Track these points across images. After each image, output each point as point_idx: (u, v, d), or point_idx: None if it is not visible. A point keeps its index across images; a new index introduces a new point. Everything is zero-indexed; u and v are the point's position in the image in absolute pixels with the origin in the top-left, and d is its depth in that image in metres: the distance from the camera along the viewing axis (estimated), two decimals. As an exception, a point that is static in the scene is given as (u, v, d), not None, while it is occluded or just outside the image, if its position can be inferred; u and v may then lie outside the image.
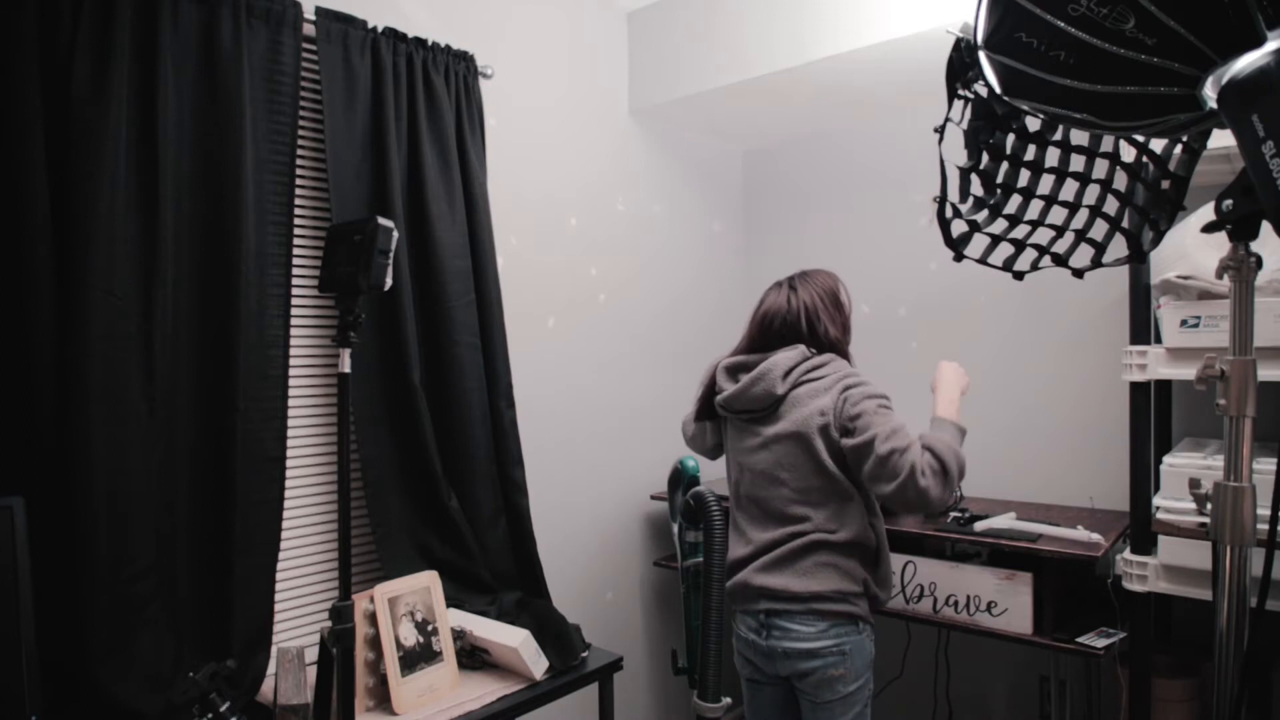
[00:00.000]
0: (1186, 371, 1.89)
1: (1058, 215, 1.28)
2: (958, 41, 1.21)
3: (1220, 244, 1.01)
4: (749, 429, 1.93)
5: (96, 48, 1.58)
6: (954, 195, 1.28)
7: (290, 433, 1.90)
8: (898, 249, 2.93)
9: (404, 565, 2.07)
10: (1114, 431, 2.38)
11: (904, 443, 1.66)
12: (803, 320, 1.92)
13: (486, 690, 1.89)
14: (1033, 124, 1.26)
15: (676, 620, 2.99)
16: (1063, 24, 0.87)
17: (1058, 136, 1.27)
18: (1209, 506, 1.01)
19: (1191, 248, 1.87)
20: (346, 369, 1.46)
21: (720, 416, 2.05)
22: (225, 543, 1.78)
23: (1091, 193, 1.25)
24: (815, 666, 1.78)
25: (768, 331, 1.96)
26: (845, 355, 1.95)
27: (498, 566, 2.29)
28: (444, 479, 2.17)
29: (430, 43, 2.17)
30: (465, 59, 2.26)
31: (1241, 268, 0.98)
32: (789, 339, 1.92)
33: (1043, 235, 1.28)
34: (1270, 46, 0.79)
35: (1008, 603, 2.12)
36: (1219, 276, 1.01)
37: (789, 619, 1.80)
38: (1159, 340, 1.97)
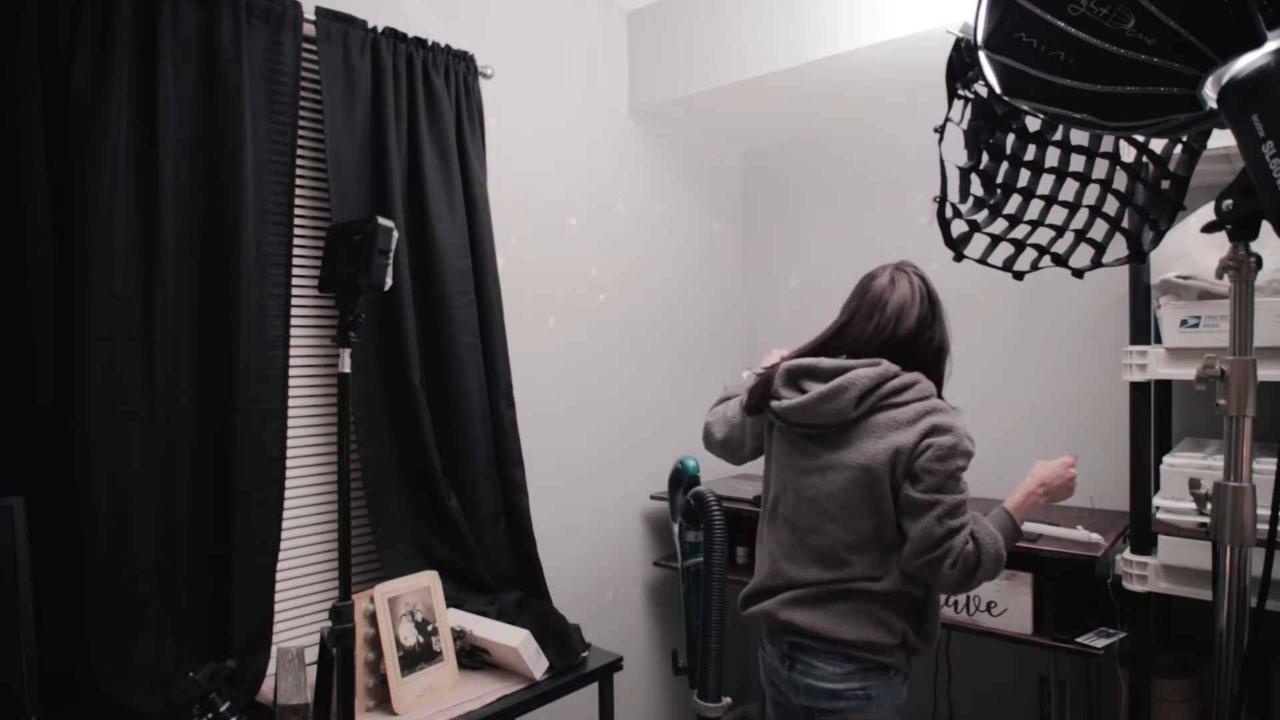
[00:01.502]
0: (1186, 371, 1.89)
1: (1058, 215, 1.28)
2: (958, 41, 1.21)
3: (1220, 244, 1.01)
4: (806, 447, 1.67)
5: (96, 48, 1.59)
6: (954, 195, 1.27)
7: (290, 433, 1.90)
8: (898, 249, 2.90)
9: (404, 565, 2.07)
10: (1114, 431, 2.38)
11: (958, 523, 1.50)
12: (912, 319, 1.62)
13: (486, 690, 1.89)
14: (1033, 124, 1.26)
15: (676, 620, 2.99)
16: (1063, 24, 0.87)
17: (1058, 136, 1.26)
18: (1209, 506, 1.01)
19: (1191, 248, 1.87)
20: (346, 369, 1.46)
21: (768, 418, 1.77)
22: (225, 543, 1.78)
23: (1091, 193, 1.25)
24: (838, 707, 1.60)
25: (869, 327, 1.64)
26: (939, 376, 1.66)
27: (498, 566, 2.29)
28: (444, 479, 2.17)
29: (430, 43, 2.17)
30: (465, 59, 2.26)
31: (1241, 268, 0.98)
32: (882, 344, 1.62)
33: (1043, 235, 1.28)
34: (1270, 46, 0.79)
35: (1008, 603, 2.12)
36: (1219, 276, 1.01)
37: (814, 655, 1.62)
38: (1159, 340, 1.97)
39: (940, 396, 1.65)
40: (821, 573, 1.61)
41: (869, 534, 1.58)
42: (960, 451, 1.53)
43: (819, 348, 1.69)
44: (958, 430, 1.55)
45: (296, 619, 2.04)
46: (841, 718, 1.60)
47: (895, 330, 1.62)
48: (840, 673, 1.59)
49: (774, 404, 1.68)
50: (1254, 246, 0.98)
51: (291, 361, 1.92)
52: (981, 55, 0.99)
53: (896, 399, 1.57)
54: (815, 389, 1.61)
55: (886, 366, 1.59)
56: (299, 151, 1.93)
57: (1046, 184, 1.28)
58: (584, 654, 2.08)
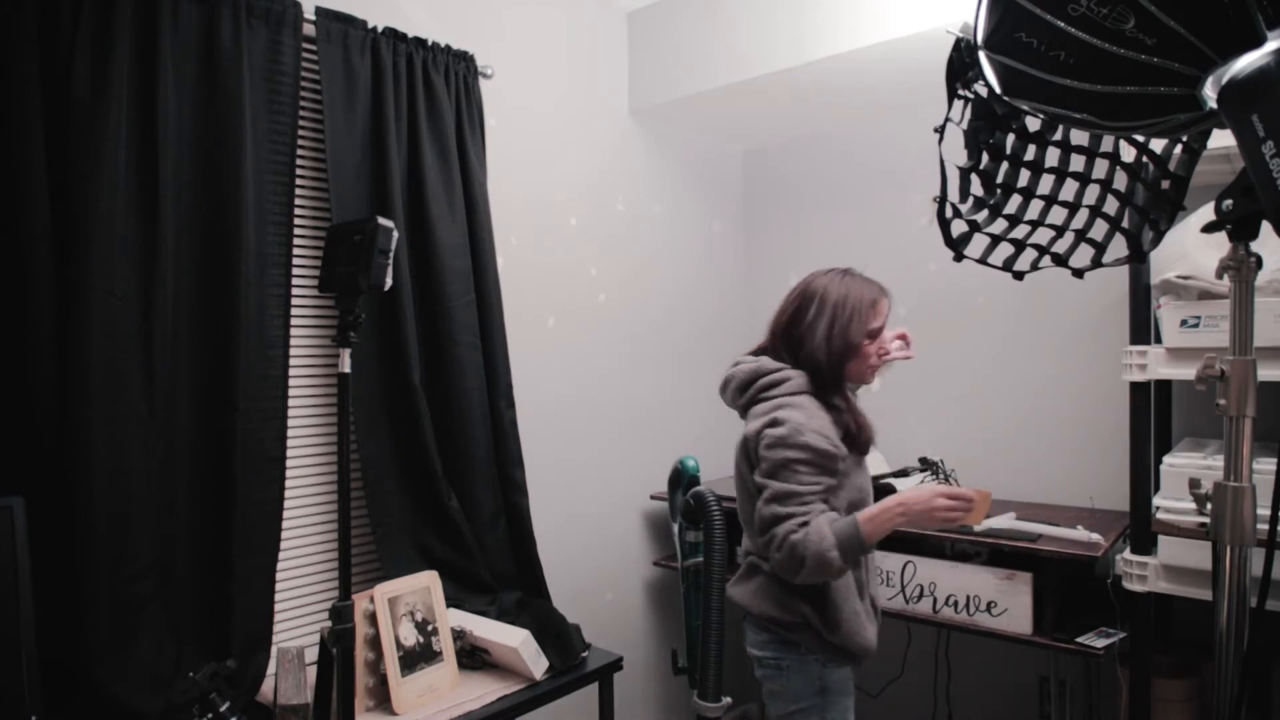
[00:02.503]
0: (1186, 371, 1.89)
1: (1058, 215, 1.28)
2: (958, 41, 1.21)
3: (1220, 244, 1.01)
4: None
5: (96, 48, 1.59)
6: (954, 195, 1.27)
7: (290, 433, 1.90)
8: (898, 249, 2.93)
9: (404, 565, 2.07)
10: (1114, 431, 2.38)
11: (786, 510, 1.57)
12: (786, 318, 1.76)
13: (486, 690, 1.89)
14: (1033, 124, 1.26)
15: (676, 620, 2.99)
16: (1063, 24, 0.87)
17: (1058, 136, 1.26)
18: (1209, 506, 1.01)
19: (1191, 248, 1.87)
20: (346, 369, 1.46)
21: None
22: (225, 543, 1.78)
23: (1091, 193, 1.25)
24: (758, 674, 1.78)
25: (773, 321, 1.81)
26: (829, 380, 1.69)
27: (498, 566, 2.29)
28: (444, 479, 2.17)
29: (430, 43, 2.17)
30: (465, 59, 2.26)
31: (1241, 268, 0.98)
32: (770, 343, 1.79)
33: (1043, 235, 1.28)
34: (1270, 46, 0.79)
35: (1008, 603, 2.12)
36: (1219, 276, 1.01)
37: (748, 624, 1.81)
38: (1159, 340, 1.97)
39: (834, 390, 1.69)
40: (745, 539, 1.83)
41: (748, 512, 1.75)
42: (791, 443, 1.60)
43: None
44: (794, 423, 1.61)
45: (296, 619, 2.03)
46: (764, 684, 1.78)
47: (777, 322, 1.80)
48: (759, 640, 1.77)
49: None
50: (1254, 246, 0.98)
51: (291, 361, 1.92)
52: (981, 55, 0.99)
53: (765, 394, 1.72)
54: (721, 381, 1.85)
55: (762, 364, 1.76)
56: (299, 151, 1.93)
57: (1046, 184, 1.29)
58: (584, 654, 2.08)
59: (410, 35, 2.13)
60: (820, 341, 1.69)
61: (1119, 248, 1.25)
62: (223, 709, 1.54)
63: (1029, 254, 1.27)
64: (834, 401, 1.69)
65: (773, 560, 1.60)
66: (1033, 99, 1.01)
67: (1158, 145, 1.19)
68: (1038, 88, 0.95)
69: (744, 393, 1.76)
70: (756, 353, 1.84)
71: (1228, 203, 0.96)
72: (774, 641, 1.74)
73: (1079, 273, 1.24)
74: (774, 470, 1.61)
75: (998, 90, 1.02)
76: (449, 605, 2.04)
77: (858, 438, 1.69)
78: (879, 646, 1.77)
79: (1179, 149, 1.18)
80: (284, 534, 1.90)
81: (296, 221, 1.92)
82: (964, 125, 1.26)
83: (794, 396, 1.67)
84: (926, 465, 2.56)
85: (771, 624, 1.72)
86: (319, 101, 1.98)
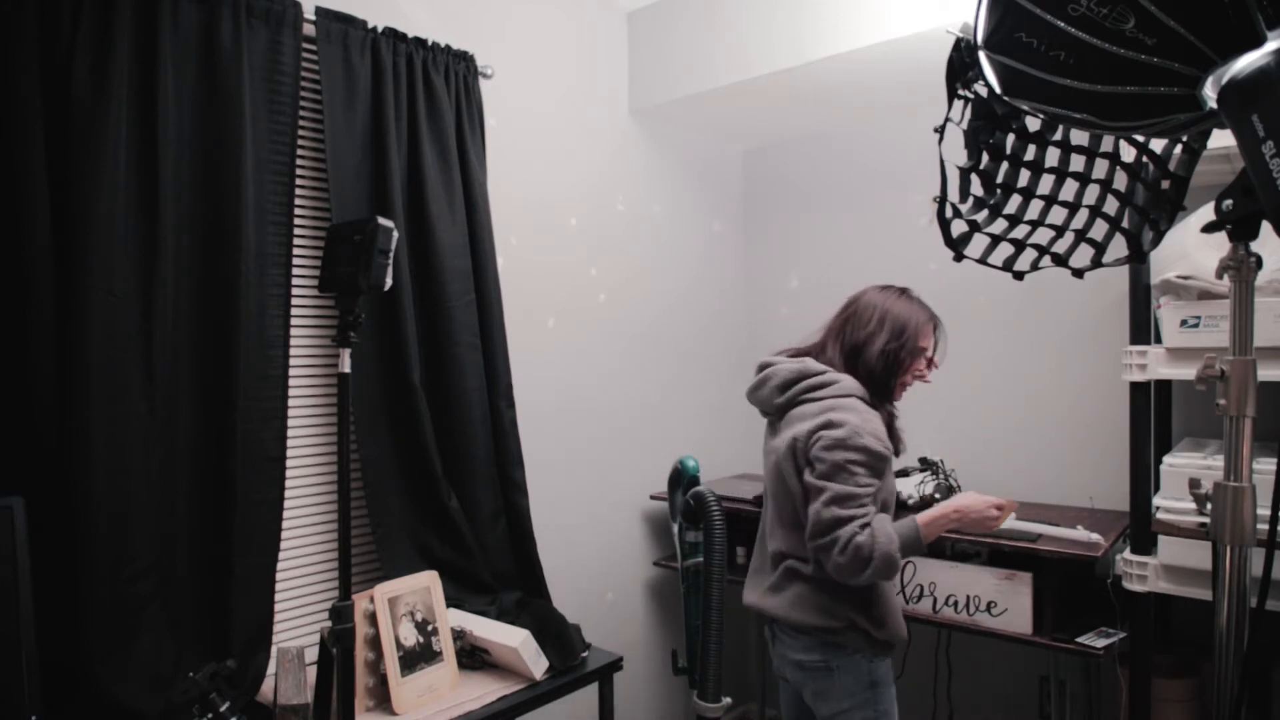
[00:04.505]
0: (1186, 371, 1.89)
1: (1058, 215, 1.28)
2: (958, 41, 1.21)
3: (1220, 244, 1.01)
4: (768, 430, 1.87)
5: (96, 48, 1.59)
6: (954, 195, 1.27)
7: (290, 433, 1.90)
8: (897, 249, 2.93)
9: (404, 565, 2.07)
10: (1114, 431, 2.38)
11: (848, 513, 1.58)
12: (845, 326, 1.79)
13: (486, 690, 1.89)
14: (1033, 124, 1.26)
15: (676, 620, 2.99)
16: (1063, 24, 0.86)
17: (1058, 136, 1.26)
18: (1209, 506, 1.01)
19: (1191, 248, 1.87)
20: (346, 369, 1.46)
21: None
22: (225, 543, 1.78)
23: (1091, 193, 1.25)
24: (802, 677, 1.77)
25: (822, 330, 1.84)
26: (880, 390, 1.75)
27: (498, 566, 2.29)
28: (444, 479, 2.17)
29: (430, 43, 2.17)
30: (465, 59, 2.26)
31: (1241, 268, 0.98)
32: (820, 345, 1.82)
33: (1043, 235, 1.28)
34: (1270, 46, 0.79)
35: (1008, 603, 2.12)
36: (1219, 276, 1.01)
37: (783, 632, 1.81)
38: (1159, 340, 1.97)
39: (882, 400, 1.76)
40: (778, 543, 1.80)
41: (791, 514, 1.74)
42: (850, 445, 1.62)
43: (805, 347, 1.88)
44: (852, 425, 1.64)
45: (296, 619, 2.03)
46: (807, 685, 1.77)
47: (835, 329, 1.82)
48: (801, 645, 1.76)
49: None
50: (1254, 246, 0.98)
51: (291, 361, 1.92)
52: (981, 55, 0.99)
53: (812, 394, 1.73)
54: (756, 378, 1.85)
55: (806, 364, 1.78)
56: (299, 151, 1.93)
57: (1046, 184, 1.28)
58: (584, 654, 2.08)
59: (410, 35, 2.13)
60: (877, 354, 1.74)
61: (1119, 248, 1.25)
62: (223, 709, 1.54)
63: (1029, 254, 1.27)
64: (887, 409, 1.77)
65: (833, 562, 1.59)
66: (1033, 99, 1.01)
67: (1158, 145, 1.19)
68: (1038, 88, 0.95)
69: (784, 392, 1.77)
70: (794, 355, 1.86)
71: (1228, 203, 0.96)
72: (819, 645, 1.73)
73: (1079, 273, 1.24)
74: (832, 472, 1.62)
75: (998, 90, 1.02)
76: (449, 605, 2.04)
77: (896, 444, 1.75)
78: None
79: (1179, 149, 1.18)
80: (284, 534, 1.90)
81: (296, 221, 1.92)
82: (964, 125, 1.26)
83: (846, 399, 1.70)
84: (926, 465, 2.56)
85: (814, 632, 1.72)
86: (319, 101, 1.98)
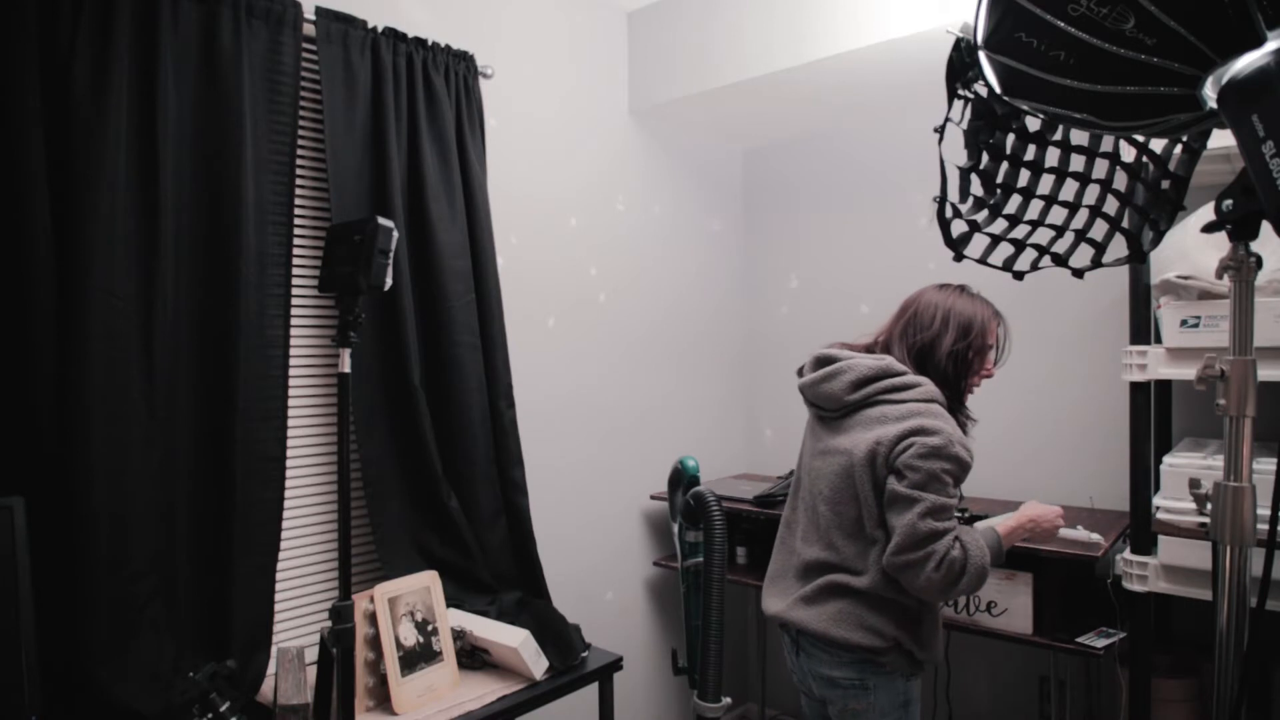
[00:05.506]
0: (1186, 371, 1.89)
1: (1058, 215, 1.28)
2: (958, 41, 1.21)
3: (1220, 244, 1.01)
4: (818, 430, 1.76)
5: (96, 48, 1.59)
6: (954, 195, 1.27)
7: (290, 433, 1.90)
8: (897, 249, 2.93)
9: (404, 565, 2.07)
10: (1114, 431, 2.38)
11: (943, 526, 1.52)
12: (910, 326, 1.70)
13: (486, 690, 1.89)
14: (1033, 124, 1.26)
15: (676, 620, 2.99)
16: (1063, 24, 0.87)
17: (1058, 136, 1.26)
18: (1209, 506, 1.01)
19: (1191, 248, 1.87)
20: (346, 369, 1.46)
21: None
22: (225, 543, 1.78)
23: (1091, 193, 1.25)
24: (836, 694, 1.68)
25: (893, 326, 1.74)
26: (954, 393, 1.69)
27: (498, 566, 2.29)
28: (444, 479, 2.17)
29: (430, 43, 2.17)
30: (465, 59, 2.26)
31: (1241, 268, 0.98)
32: (884, 341, 1.73)
33: (1043, 235, 1.28)
34: (1270, 46, 0.79)
35: (1008, 603, 2.12)
36: (1219, 276, 1.01)
37: (814, 646, 1.69)
38: (1159, 340, 1.97)
39: (958, 408, 1.69)
40: (818, 552, 1.68)
41: (853, 521, 1.63)
42: (946, 455, 1.54)
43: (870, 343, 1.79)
44: (945, 434, 1.56)
45: (296, 619, 2.03)
46: (837, 702, 1.68)
47: (899, 328, 1.72)
48: (836, 661, 1.66)
49: (799, 379, 1.79)
50: (1254, 246, 0.98)
51: (291, 361, 1.92)
52: (981, 55, 0.99)
53: (893, 395, 1.62)
54: (822, 370, 1.71)
55: (889, 363, 1.66)
56: (299, 151, 1.93)
57: (1046, 184, 1.28)
58: (584, 654, 2.08)
59: (410, 35, 2.13)
60: (946, 355, 1.67)
61: (1119, 248, 1.25)
62: (223, 709, 1.54)
63: (1029, 254, 1.27)
64: (961, 414, 1.70)
65: (925, 577, 1.51)
66: (1033, 99, 1.01)
67: (1158, 145, 1.19)
68: (1038, 88, 0.95)
69: (859, 389, 1.65)
70: (868, 349, 1.76)
71: (1228, 203, 0.96)
72: (856, 662, 1.64)
73: (1079, 273, 1.24)
74: (927, 481, 1.53)
75: (998, 90, 1.02)
76: (449, 605, 2.04)
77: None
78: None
79: (1179, 149, 1.18)
80: (284, 534, 1.90)
81: (296, 221, 1.92)
82: (964, 125, 1.26)
83: (930, 404, 1.61)
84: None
85: (854, 650, 1.63)
86: (319, 101, 1.98)
